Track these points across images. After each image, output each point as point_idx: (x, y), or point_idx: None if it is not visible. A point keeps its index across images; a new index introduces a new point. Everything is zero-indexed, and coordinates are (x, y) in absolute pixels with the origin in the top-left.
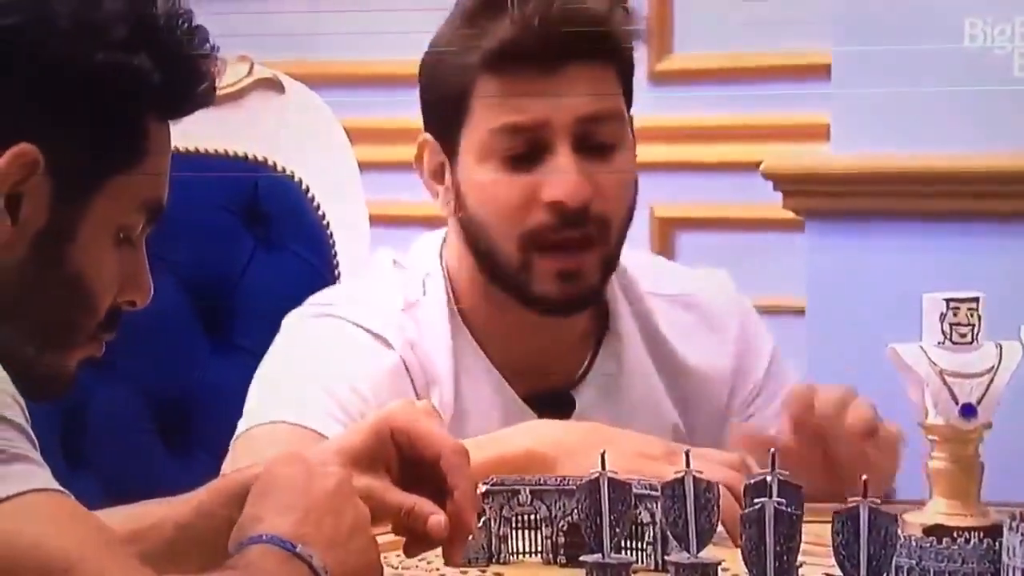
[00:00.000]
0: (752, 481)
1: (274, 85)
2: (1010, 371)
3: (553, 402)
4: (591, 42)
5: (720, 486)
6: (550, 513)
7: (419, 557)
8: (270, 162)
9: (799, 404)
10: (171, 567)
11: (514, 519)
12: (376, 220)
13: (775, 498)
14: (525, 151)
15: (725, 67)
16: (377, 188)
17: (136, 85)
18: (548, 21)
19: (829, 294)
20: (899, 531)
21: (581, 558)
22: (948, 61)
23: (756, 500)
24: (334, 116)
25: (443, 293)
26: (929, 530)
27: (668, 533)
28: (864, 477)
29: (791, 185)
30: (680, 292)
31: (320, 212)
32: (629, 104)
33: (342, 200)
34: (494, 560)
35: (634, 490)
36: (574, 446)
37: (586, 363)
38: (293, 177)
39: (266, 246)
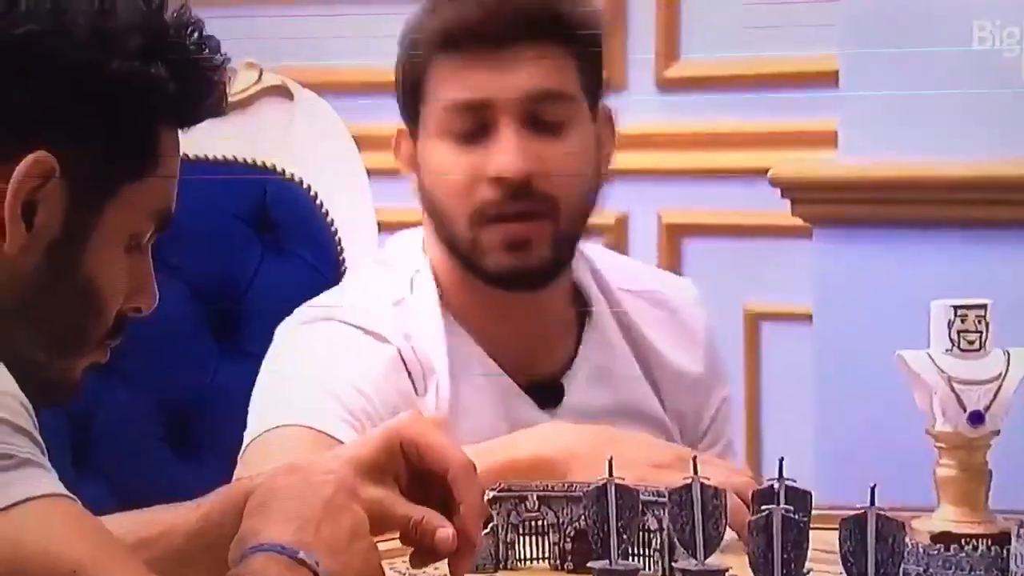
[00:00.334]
0: (760, 488)
1: (283, 92)
2: (1018, 378)
3: (544, 391)
4: (542, 22)
5: (727, 492)
6: (557, 519)
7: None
8: (279, 169)
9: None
10: (179, 575)
11: (521, 525)
12: (385, 227)
13: (783, 505)
14: (473, 128)
15: (732, 74)
16: (385, 195)
17: (151, 94)
18: (500, 1)
19: (837, 301)
20: (907, 538)
21: (588, 564)
22: (956, 65)
23: (764, 507)
24: (343, 123)
25: (432, 286)
26: (937, 537)
27: (675, 540)
28: (873, 484)
29: (799, 192)
30: (647, 288)
31: (329, 219)
32: (597, 87)
33: (351, 207)
34: (501, 566)
35: (641, 496)
36: (584, 451)
37: (572, 353)
38: (302, 184)
39: (275, 252)
